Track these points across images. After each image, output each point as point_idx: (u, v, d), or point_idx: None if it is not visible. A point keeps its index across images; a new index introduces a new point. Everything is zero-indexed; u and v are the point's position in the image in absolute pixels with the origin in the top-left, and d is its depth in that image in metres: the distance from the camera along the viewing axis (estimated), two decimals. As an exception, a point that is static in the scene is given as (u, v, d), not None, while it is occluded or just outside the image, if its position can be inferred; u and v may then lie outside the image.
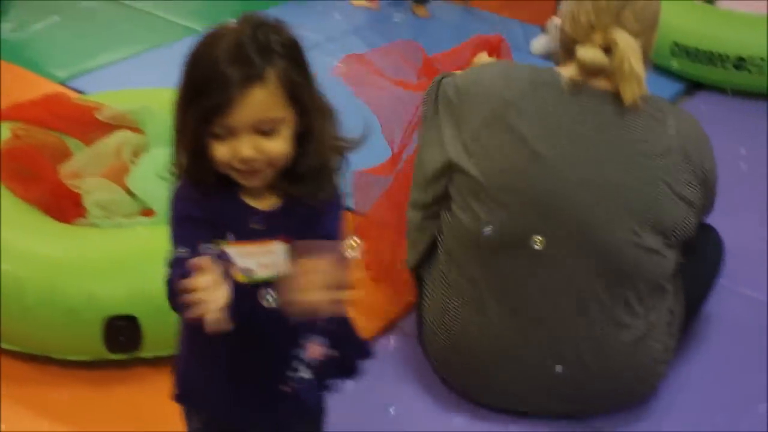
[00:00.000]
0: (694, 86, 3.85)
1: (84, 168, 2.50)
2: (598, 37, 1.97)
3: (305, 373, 1.47)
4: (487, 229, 2.02)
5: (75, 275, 2.15)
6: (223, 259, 1.31)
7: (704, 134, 2.12)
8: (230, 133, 1.30)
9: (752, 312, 2.56)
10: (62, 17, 4.27)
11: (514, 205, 2.00)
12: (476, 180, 2.02)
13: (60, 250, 2.18)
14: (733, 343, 2.45)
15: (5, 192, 2.35)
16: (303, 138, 1.35)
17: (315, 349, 1.46)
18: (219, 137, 1.30)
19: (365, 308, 2.45)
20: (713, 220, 2.29)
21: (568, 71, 2.03)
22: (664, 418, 2.21)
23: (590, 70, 1.99)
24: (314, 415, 1.62)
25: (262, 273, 1.36)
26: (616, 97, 1.99)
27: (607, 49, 1.97)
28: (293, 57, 1.32)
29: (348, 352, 1.55)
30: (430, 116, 2.16)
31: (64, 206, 2.39)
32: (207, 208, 1.36)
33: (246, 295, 1.32)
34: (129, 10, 4.37)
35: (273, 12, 4.18)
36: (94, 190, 2.40)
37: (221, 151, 1.31)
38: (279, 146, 1.31)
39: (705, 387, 2.30)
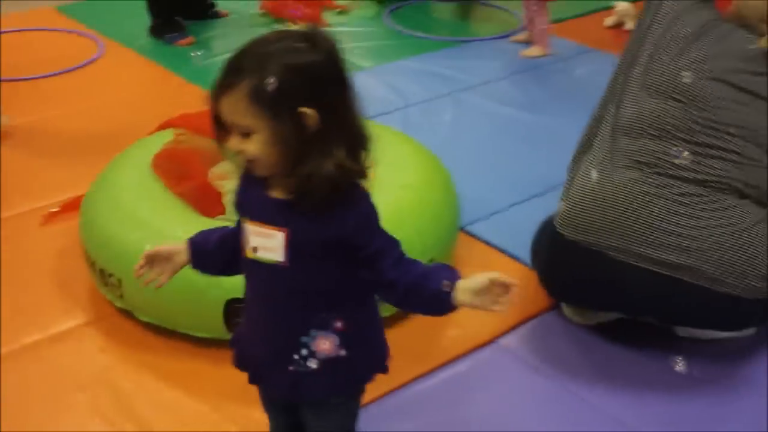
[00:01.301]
0: None
1: (231, 171, 2.78)
2: None
3: (311, 363, 1.61)
4: None
5: (205, 260, 2.41)
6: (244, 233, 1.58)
7: None
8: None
9: None
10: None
11: None
12: None
13: (195, 237, 2.44)
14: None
15: (161, 185, 2.67)
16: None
17: (324, 344, 1.60)
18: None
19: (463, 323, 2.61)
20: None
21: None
22: None
23: None
24: (324, 408, 1.71)
25: (263, 254, 1.55)
26: None
27: None
28: (289, 78, 1.43)
29: (360, 359, 1.65)
30: None
31: (208, 202, 2.67)
32: (245, 189, 1.60)
33: (258, 269, 1.57)
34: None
35: (443, 53, 4.59)
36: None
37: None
38: (251, 148, 1.46)
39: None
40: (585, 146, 2.61)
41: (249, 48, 1.47)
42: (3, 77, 4.20)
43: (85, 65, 4.45)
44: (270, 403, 1.84)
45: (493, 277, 1.49)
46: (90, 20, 5.02)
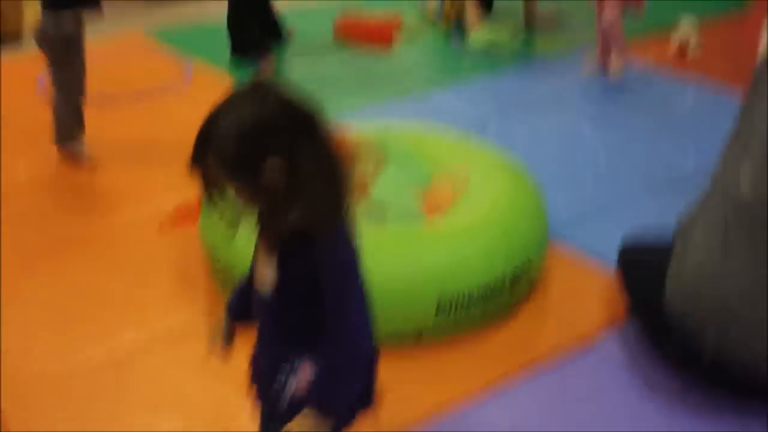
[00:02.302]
0: None
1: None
2: None
3: (291, 382, 1.70)
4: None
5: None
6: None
7: None
8: None
9: None
10: (338, 65, 5.00)
11: None
12: None
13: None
14: None
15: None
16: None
17: (305, 370, 1.68)
18: None
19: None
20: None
21: None
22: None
23: None
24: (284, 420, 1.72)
25: (260, 286, 1.68)
26: None
27: None
28: (247, 139, 1.49)
29: (328, 394, 1.66)
30: None
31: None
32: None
33: (259, 297, 1.69)
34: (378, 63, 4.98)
35: (512, 72, 4.79)
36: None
37: None
38: (239, 202, 1.56)
39: None
40: (703, 209, 2.53)
41: (208, 119, 1.53)
42: (101, 98, 4.47)
43: (176, 86, 4.72)
44: None
45: None
46: (178, 43, 5.32)
